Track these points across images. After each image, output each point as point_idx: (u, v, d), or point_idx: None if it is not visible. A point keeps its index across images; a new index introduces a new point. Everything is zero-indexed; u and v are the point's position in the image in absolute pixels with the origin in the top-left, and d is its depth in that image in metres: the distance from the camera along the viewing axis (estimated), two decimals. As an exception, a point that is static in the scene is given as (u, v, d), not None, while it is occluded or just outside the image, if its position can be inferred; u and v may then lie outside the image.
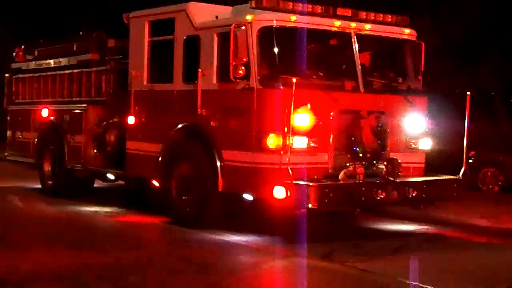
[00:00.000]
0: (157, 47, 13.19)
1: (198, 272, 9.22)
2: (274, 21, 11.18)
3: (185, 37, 12.40)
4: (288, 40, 11.28)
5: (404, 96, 12.10)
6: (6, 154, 17.99)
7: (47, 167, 16.06)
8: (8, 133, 17.77)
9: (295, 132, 10.82)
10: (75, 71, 15.50)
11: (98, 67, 14.93)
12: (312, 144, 11.08)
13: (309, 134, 11.03)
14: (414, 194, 11.38)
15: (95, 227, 12.57)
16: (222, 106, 11.64)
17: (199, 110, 11.85)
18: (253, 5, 11.42)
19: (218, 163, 11.55)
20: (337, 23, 11.68)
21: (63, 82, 15.86)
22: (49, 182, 16.00)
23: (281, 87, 10.82)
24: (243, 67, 10.99)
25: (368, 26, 11.96)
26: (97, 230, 12.29)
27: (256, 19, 11.16)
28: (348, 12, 11.91)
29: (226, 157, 11.48)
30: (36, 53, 17.15)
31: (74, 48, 15.69)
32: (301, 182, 10.56)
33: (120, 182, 15.24)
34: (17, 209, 14.48)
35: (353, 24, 11.79)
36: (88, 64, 15.14)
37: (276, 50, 11.15)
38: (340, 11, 11.86)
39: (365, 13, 12.09)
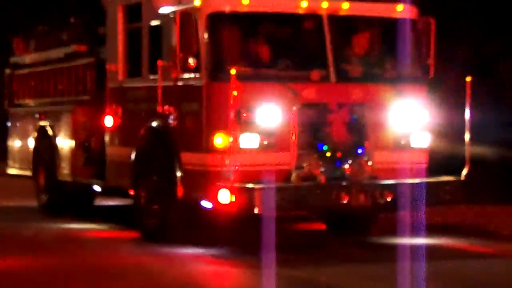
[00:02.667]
0: (131, 37, 16.17)
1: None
2: (227, 7, 14.06)
3: (150, 25, 15.34)
4: (243, 27, 14.31)
5: (389, 84, 14.78)
6: (6, 167, 21.35)
7: (42, 181, 19.43)
8: (9, 141, 21.22)
9: (244, 130, 13.74)
10: (64, 65, 18.57)
11: (85, 60, 17.93)
12: (267, 143, 13.88)
13: (263, 131, 13.86)
14: (389, 199, 14.02)
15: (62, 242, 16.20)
16: (178, 103, 14.50)
17: (159, 109, 14.84)
18: (207, -13, 13.84)
19: (176, 167, 14.42)
20: (304, 4, 14.25)
21: (55, 79, 18.99)
22: (43, 197, 19.41)
23: (229, 81, 13.43)
24: (193, 59, 14.09)
25: (346, 5, 14.47)
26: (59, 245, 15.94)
27: (205, 4, 14.00)
28: (322, -11, 14.28)
29: (184, 160, 14.33)
30: (33, 44, 20.41)
31: (64, 38, 18.85)
32: (245, 185, 13.34)
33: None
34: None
35: (324, 4, 14.35)
36: (76, 56, 18.14)
37: (228, 38, 14.11)
38: (312, -12, 14.20)
39: (347, -11, 14.30)
